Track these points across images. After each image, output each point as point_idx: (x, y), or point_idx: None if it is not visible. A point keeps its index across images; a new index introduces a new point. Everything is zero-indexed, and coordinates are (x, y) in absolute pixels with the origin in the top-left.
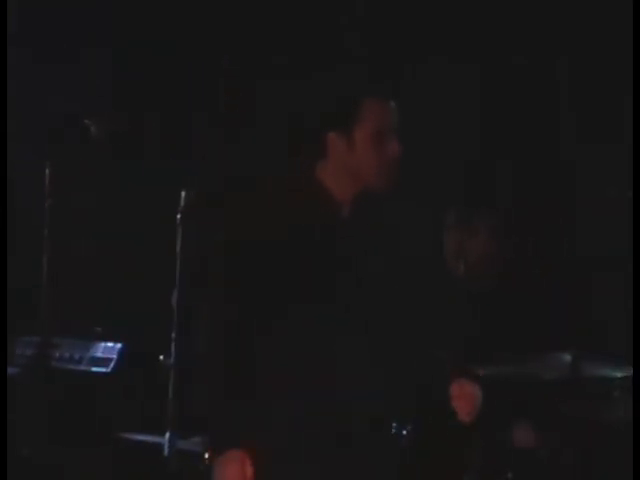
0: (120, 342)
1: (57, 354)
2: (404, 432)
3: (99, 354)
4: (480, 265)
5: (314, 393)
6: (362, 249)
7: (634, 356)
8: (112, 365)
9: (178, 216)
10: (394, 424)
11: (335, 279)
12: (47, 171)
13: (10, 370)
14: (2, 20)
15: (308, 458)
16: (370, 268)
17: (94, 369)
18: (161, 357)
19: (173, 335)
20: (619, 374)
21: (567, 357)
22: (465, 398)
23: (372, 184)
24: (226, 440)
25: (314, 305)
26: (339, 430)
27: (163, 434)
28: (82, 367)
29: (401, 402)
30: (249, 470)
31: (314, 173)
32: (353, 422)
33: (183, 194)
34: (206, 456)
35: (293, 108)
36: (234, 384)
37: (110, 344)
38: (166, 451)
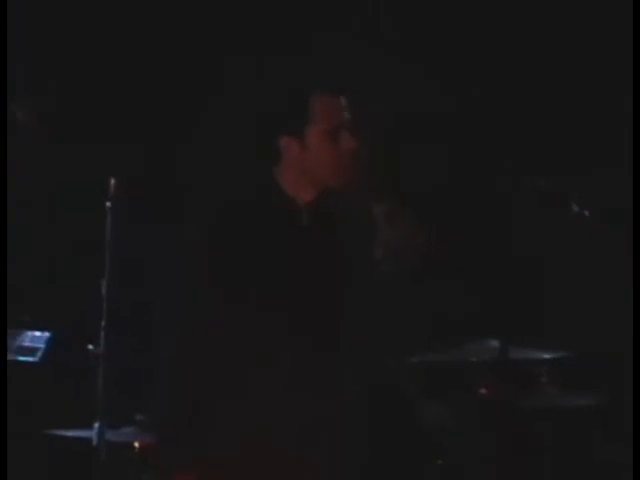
0: (48, 331)
1: None
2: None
3: (27, 343)
4: (402, 252)
5: (272, 407)
6: (325, 255)
7: (634, 355)
8: (40, 354)
9: (107, 204)
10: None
11: (295, 287)
12: None
13: None
14: (2, 20)
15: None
16: (332, 274)
17: (21, 358)
18: (90, 346)
19: (102, 324)
20: (547, 358)
21: (494, 343)
22: None
23: (331, 184)
24: (178, 460)
25: (272, 314)
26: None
27: (92, 424)
28: (9, 356)
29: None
30: None
31: (271, 178)
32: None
33: (112, 181)
34: (136, 445)
35: (241, 107)
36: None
37: (38, 333)
38: (95, 441)
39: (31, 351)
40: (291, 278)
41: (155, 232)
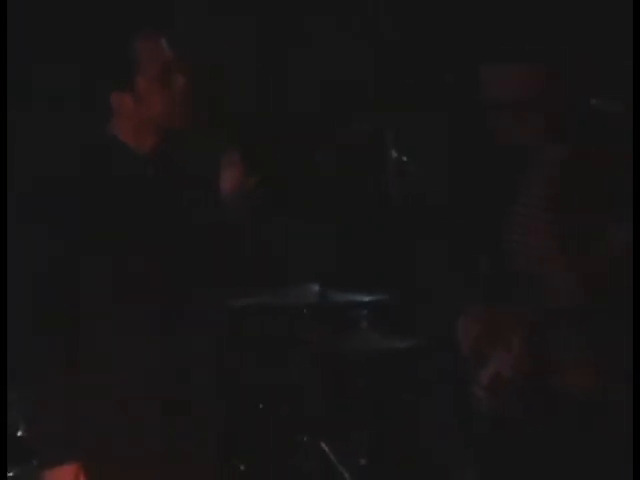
0: None
1: None
2: None
3: None
4: (233, 197)
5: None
6: (171, 202)
7: (634, 352)
8: None
9: None
10: None
11: (145, 236)
12: None
13: None
14: (2, 20)
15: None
16: (179, 220)
17: None
18: None
19: None
20: (366, 300)
21: (315, 287)
22: None
23: (170, 126)
24: (58, 451)
25: (121, 266)
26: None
27: None
28: None
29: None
30: None
31: (106, 132)
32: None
33: None
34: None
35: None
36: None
37: None
38: None
39: None
40: (141, 228)
41: None
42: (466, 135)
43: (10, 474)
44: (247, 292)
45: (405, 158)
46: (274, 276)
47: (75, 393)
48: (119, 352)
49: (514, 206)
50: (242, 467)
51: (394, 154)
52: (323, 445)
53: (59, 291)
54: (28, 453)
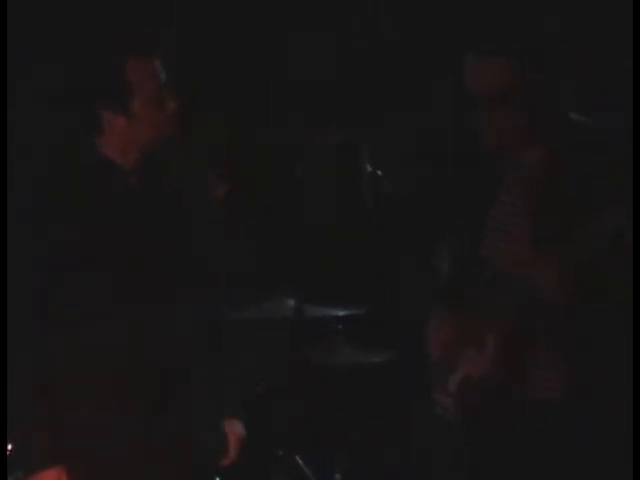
0: None
1: None
2: None
3: None
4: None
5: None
6: (157, 218)
7: (634, 351)
8: None
9: None
10: None
11: (126, 249)
12: None
13: None
14: (2, 20)
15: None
16: (165, 238)
17: None
18: None
19: None
20: (341, 315)
21: (290, 302)
22: None
23: (157, 147)
24: (39, 457)
25: (105, 279)
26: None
27: None
28: None
29: None
30: None
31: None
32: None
33: None
34: None
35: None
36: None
37: None
38: None
39: None
40: (122, 241)
41: None
42: (441, 144)
43: None
44: (223, 306)
45: (380, 172)
46: (250, 290)
47: (56, 396)
48: (101, 355)
49: (490, 211)
50: None
51: (369, 168)
52: (298, 459)
53: (40, 293)
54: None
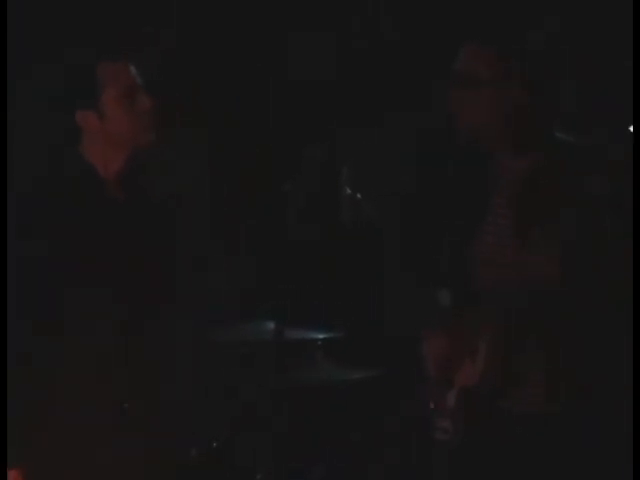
0: None
1: None
2: None
3: None
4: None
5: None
6: (140, 226)
7: (634, 356)
8: None
9: None
10: None
11: (116, 260)
12: None
13: None
14: (2, 20)
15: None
16: (152, 247)
17: None
18: None
19: None
20: (320, 337)
21: (270, 324)
22: None
23: (135, 146)
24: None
25: (94, 290)
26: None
27: None
28: None
29: None
30: None
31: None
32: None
33: None
34: None
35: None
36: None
37: None
38: None
39: None
40: (110, 251)
41: None
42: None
43: None
44: (203, 328)
45: (359, 195)
46: (229, 313)
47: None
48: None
49: (479, 225)
50: None
51: (348, 191)
52: None
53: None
54: None
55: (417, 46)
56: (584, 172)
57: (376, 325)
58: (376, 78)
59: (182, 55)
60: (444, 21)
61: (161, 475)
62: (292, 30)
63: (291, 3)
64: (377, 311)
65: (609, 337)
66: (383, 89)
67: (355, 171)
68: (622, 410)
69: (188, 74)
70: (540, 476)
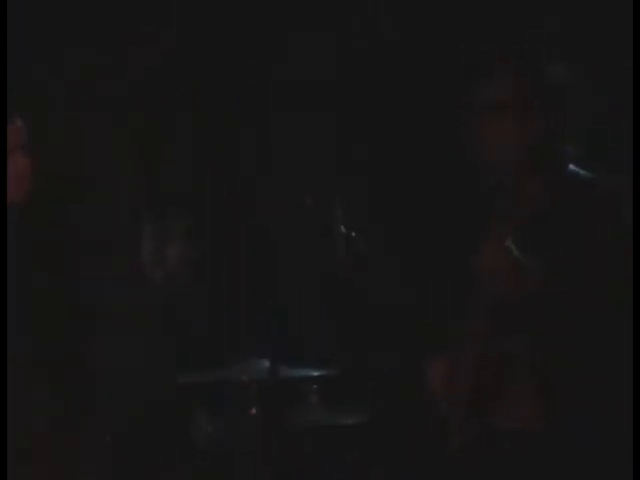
0: None
1: None
2: None
3: None
4: (178, 269)
5: None
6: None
7: (634, 356)
8: None
9: None
10: None
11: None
12: None
13: None
14: (2, 20)
15: None
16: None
17: None
18: None
19: None
20: (314, 376)
21: (265, 363)
22: None
23: (12, 199)
24: None
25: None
26: None
27: None
28: None
29: None
30: None
31: None
32: None
33: None
34: None
35: None
36: None
37: None
38: None
39: None
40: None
41: None
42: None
43: None
44: (197, 368)
45: (354, 234)
46: (224, 352)
47: None
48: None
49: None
50: None
51: (343, 230)
52: None
53: None
54: None
55: (417, 46)
56: (593, 207)
57: (374, 369)
58: (376, 78)
59: (182, 55)
60: (444, 21)
61: None
62: (292, 30)
63: (291, 3)
64: (374, 354)
65: (607, 356)
66: (383, 89)
67: (348, 212)
68: (620, 428)
69: (188, 74)
70: None
